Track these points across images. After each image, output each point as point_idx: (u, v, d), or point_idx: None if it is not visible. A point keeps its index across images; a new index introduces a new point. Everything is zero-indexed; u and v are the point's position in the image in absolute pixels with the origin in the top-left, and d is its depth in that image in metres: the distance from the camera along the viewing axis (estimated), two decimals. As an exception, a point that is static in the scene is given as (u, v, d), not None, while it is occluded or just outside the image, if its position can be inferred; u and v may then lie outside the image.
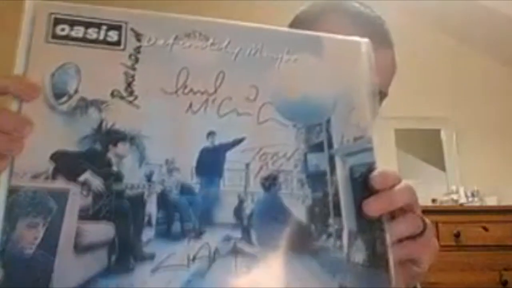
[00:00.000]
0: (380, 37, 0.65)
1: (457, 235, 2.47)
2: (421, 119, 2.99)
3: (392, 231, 0.43)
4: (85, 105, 0.40)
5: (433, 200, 2.77)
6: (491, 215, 2.54)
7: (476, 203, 2.75)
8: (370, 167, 0.43)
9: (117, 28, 0.42)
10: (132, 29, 0.42)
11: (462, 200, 2.76)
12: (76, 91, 0.40)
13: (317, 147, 0.44)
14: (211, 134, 0.42)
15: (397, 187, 0.43)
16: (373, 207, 0.42)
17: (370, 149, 0.44)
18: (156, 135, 0.41)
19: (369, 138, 0.44)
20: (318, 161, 0.44)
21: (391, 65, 0.69)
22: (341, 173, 0.43)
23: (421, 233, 0.46)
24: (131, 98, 0.41)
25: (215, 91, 0.43)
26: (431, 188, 2.80)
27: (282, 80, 0.44)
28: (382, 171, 0.43)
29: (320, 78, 0.46)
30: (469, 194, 2.79)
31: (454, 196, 2.79)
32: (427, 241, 0.47)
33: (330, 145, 0.44)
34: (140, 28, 0.43)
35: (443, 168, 3.01)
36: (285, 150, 0.43)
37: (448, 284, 2.37)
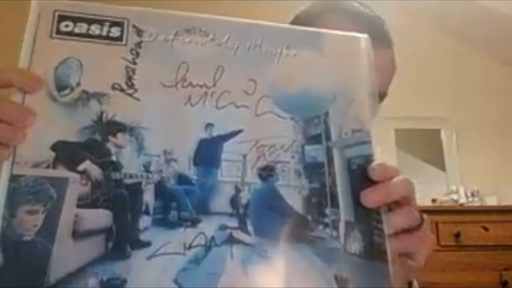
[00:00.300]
0: (380, 37, 0.66)
1: (457, 235, 2.47)
2: (421, 119, 3.00)
3: (389, 223, 0.43)
4: (86, 97, 0.41)
5: (433, 200, 2.77)
6: (491, 215, 2.55)
7: (476, 203, 2.75)
8: (368, 159, 0.44)
9: (119, 24, 0.43)
10: (133, 26, 0.44)
11: (462, 200, 2.77)
12: (78, 84, 0.41)
13: (315, 139, 0.44)
14: (209, 125, 0.42)
15: (395, 179, 0.44)
16: (371, 198, 0.42)
17: (368, 142, 0.45)
18: (155, 126, 0.41)
19: (368, 131, 0.45)
20: (315, 153, 0.44)
21: (390, 65, 0.69)
22: (338, 165, 0.44)
23: (418, 226, 0.46)
24: (131, 91, 0.42)
25: (214, 84, 0.43)
26: (431, 188, 2.80)
27: (281, 74, 0.45)
28: (380, 163, 0.44)
29: (319, 72, 0.46)
30: (469, 194, 2.79)
31: (454, 196, 2.79)
32: (424, 235, 0.47)
33: (328, 137, 0.45)
34: (142, 24, 0.44)
35: (443, 168, 3.01)
36: (283, 142, 0.44)
37: (448, 284, 2.37)
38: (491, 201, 2.74)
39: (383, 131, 2.89)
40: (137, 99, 0.42)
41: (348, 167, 0.44)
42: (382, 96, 0.67)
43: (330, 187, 0.43)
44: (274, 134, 0.44)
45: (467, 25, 2.96)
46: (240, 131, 0.43)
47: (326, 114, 0.45)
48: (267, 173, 0.43)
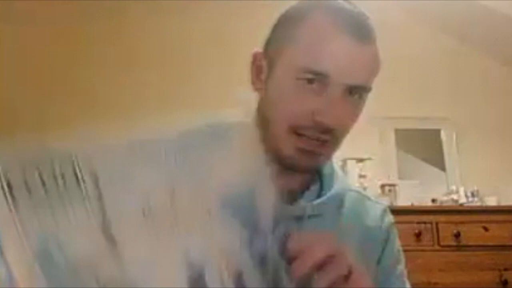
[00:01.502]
0: (363, 32, 0.66)
1: (457, 235, 2.47)
2: (421, 119, 2.99)
3: (321, 282, 0.52)
4: None
5: (433, 200, 2.76)
6: (491, 215, 2.55)
7: (476, 203, 2.75)
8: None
9: None
10: None
11: (462, 200, 2.76)
12: None
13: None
14: None
15: (310, 247, 0.52)
16: (297, 271, 0.52)
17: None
18: None
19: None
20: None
21: (373, 61, 0.69)
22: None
23: (350, 274, 0.54)
24: None
25: None
26: (431, 188, 2.80)
27: None
28: (293, 239, 0.53)
29: None
30: (469, 194, 2.78)
31: (454, 196, 2.78)
32: (357, 280, 0.55)
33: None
34: None
35: (443, 168, 3.01)
36: None
37: (448, 284, 2.38)
38: (491, 201, 2.74)
39: (383, 131, 2.89)
40: None
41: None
42: (366, 91, 0.68)
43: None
44: None
45: (467, 25, 2.96)
46: None
47: None
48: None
